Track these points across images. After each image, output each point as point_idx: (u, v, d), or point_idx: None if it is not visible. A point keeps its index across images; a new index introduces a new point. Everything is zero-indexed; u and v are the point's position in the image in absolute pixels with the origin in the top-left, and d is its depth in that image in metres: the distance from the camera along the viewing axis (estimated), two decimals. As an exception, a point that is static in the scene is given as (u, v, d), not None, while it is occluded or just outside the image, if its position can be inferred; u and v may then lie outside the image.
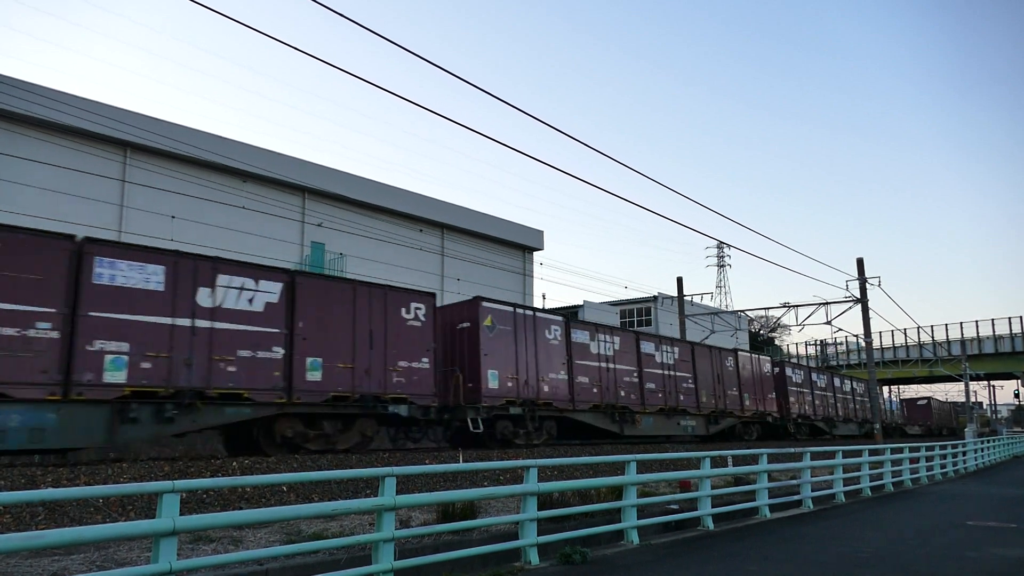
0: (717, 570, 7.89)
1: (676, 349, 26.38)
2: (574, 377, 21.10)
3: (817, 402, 38.08)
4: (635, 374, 23.90)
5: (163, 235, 25.61)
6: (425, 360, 16.89)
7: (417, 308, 16.98)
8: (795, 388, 35.44)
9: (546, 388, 19.97)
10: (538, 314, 20.74)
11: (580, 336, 21.83)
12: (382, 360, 15.97)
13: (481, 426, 17.61)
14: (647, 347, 24.93)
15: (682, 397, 25.86)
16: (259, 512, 6.47)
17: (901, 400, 71.40)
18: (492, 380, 18.36)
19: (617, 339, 23.45)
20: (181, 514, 5.23)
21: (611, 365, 22.82)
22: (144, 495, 9.05)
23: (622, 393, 22.98)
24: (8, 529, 8.38)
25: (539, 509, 8.30)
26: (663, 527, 10.65)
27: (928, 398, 68.87)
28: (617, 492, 10.09)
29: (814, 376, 38.85)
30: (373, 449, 17.77)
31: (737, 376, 29.89)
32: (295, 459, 13.22)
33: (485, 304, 18.89)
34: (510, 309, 19.60)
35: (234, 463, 12.27)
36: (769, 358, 34.32)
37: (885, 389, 73.17)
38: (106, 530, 5.10)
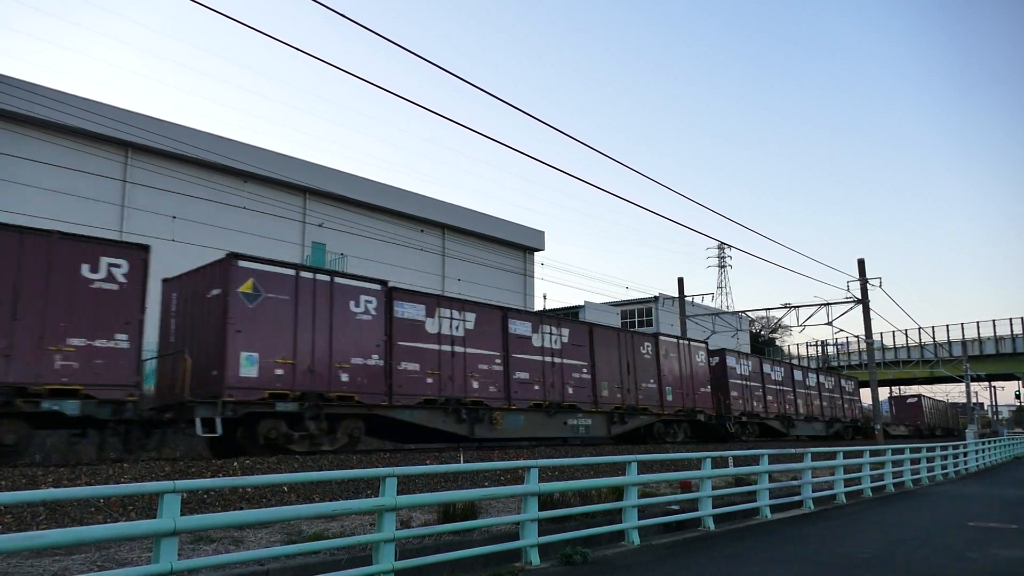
0: (718, 571, 7.88)
1: (565, 331, 21.55)
2: (395, 363, 16.38)
3: (770, 398, 33.37)
4: (498, 360, 18.93)
5: (164, 235, 25.62)
6: (122, 337, 12.63)
7: (112, 266, 12.78)
8: (740, 381, 30.92)
9: (345, 377, 15.35)
10: (338, 280, 15.94)
11: (410, 311, 17.09)
12: (35, 337, 11.75)
13: (219, 428, 13.27)
14: (519, 327, 19.95)
15: (571, 390, 21.07)
16: (260, 512, 6.47)
17: (889, 398, 67.11)
18: (246, 365, 13.88)
19: (471, 316, 18.57)
20: (182, 514, 5.22)
21: (460, 349, 17.95)
22: (145, 495, 9.06)
23: (475, 384, 18.10)
24: (9, 529, 8.38)
25: (540, 509, 8.29)
26: (664, 527, 10.64)
27: (919, 395, 64.74)
28: (618, 492, 10.09)
29: (767, 368, 34.17)
30: (372, 450, 17.76)
31: (656, 366, 25.19)
32: (296, 459, 13.21)
33: (242, 264, 14.24)
34: (290, 272, 14.98)
35: (235, 463, 12.27)
36: (704, 345, 29.13)
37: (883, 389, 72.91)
38: (107, 530, 5.10)
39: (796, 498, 13.86)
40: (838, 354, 70.98)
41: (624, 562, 8.25)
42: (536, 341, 20.37)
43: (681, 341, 27.43)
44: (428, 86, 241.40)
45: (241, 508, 10.24)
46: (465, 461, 14.93)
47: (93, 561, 6.88)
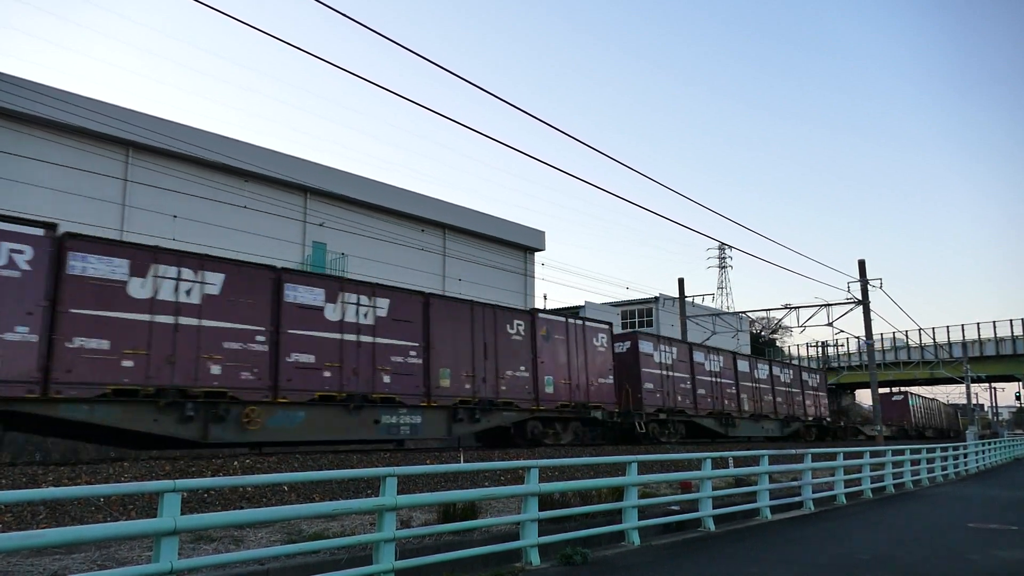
0: (718, 571, 7.88)
1: (383, 302, 16.64)
2: (63, 340, 11.96)
3: (702, 392, 28.11)
4: (259, 337, 14.35)
5: (165, 235, 25.63)
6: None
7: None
8: (658, 371, 25.75)
9: None
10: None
11: (101, 268, 12.59)
12: None
13: None
14: (301, 294, 15.29)
15: (388, 379, 16.40)
16: (260, 512, 6.47)
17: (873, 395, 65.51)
18: None
19: (219, 279, 14.01)
20: (182, 513, 5.23)
21: (191, 321, 13.40)
22: (145, 494, 9.06)
23: (213, 369, 13.59)
24: (9, 528, 8.39)
25: (540, 510, 8.29)
26: (664, 528, 10.64)
27: (906, 393, 59.44)
28: (618, 493, 10.09)
29: (699, 357, 28.72)
30: (372, 450, 17.77)
31: (532, 350, 20.24)
32: (296, 459, 13.21)
33: None
34: None
35: (235, 463, 12.28)
36: (607, 327, 23.81)
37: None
38: (107, 529, 5.11)
39: (796, 499, 13.86)
40: (838, 355, 70.96)
41: (624, 562, 8.25)
42: (332, 314, 15.65)
43: (571, 321, 22.27)
44: (428, 86, 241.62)
45: (241, 507, 10.25)
46: (465, 461, 14.95)
47: (93, 560, 6.88)
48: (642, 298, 53.96)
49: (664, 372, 26.12)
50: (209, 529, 7.65)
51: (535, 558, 8.01)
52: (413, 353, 17.14)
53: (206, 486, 6.23)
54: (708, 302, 54.75)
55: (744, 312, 48.15)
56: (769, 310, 47.69)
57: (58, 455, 15.63)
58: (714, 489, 11.57)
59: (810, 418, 37.88)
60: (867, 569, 7.94)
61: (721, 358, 30.33)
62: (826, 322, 37.69)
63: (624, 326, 49.02)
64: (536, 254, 44.48)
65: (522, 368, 19.91)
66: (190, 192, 28.05)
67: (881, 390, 58.61)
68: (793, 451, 14.75)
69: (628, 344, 25.39)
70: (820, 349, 71.49)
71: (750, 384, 32.10)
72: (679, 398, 26.68)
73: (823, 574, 7.76)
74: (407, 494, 7.64)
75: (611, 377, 23.19)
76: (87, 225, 22.04)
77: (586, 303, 46.61)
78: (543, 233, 44.47)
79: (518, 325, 20.19)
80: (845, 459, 16.10)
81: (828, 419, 40.29)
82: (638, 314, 53.63)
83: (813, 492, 14.15)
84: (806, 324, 39.67)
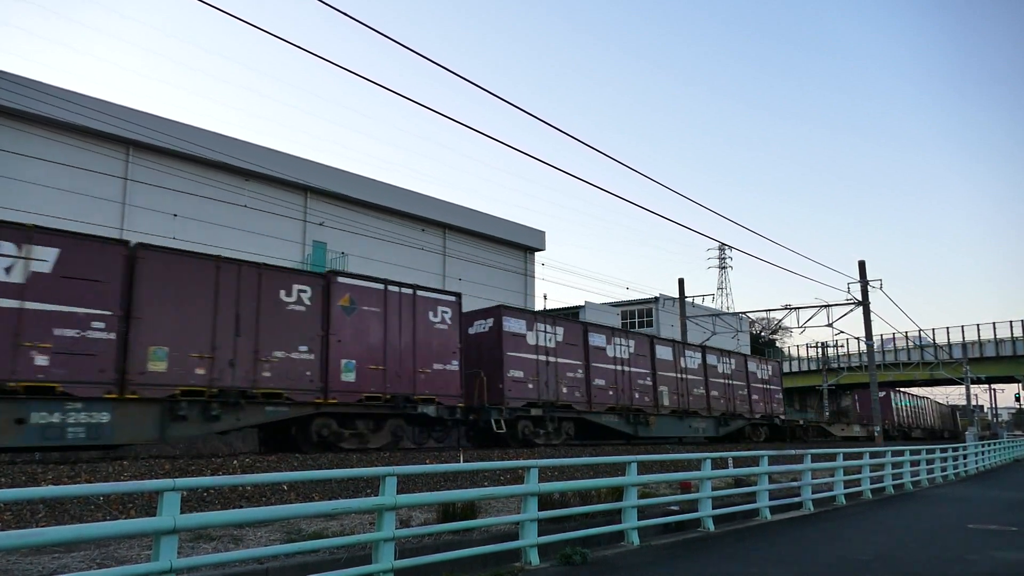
0: (717, 571, 7.88)
1: (48, 253, 12.19)
2: None
3: (601, 382, 22.98)
4: None
5: (165, 233, 25.63)
6: None
7: None
8: (531, 357, 20.47)
9: None
10: None
11: None
12: None
13: None
14: None
15: (46, 361, 11.89)
16: (259, 511, 6.47)
17: (852, 392, 57.91)
18: None
19: None
20: (182, 512, 5.23)
21: None
22: (145, 493, 9.07)
23: None
24: (9, 526, 8.39)
25: (540, 509, 8.29)
26: (663, 528, 10.65)
27: (887, 390, 53.86)
28: (617, 493, 10.09)
29: (597, 340, 23.34)
30: (370, 449, 17.75)
31: (322, 325, 15.68)
32: (295, 458, 13.21)
33: None
34: None
35: (235, 461, 12.28)
36: (453, 297, 18.90)
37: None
38: (106, 528, 5.11)
39: (796, 499, 13.86)
40: (838, 356, 70.98)
41: (624, 562, 8.25)
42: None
43: (393, 289, 17.43)
44: (428, 85, 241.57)
45: (241, 506, 10.25)
46: (465, 461, 14.95)
47: (93, 559, 6.88)
48: (642, 298, 53.99)
49: (543, 358, 20.89)
50: (208, 528, 7.64)
51: (534, 558, 8.01)
52: (99, 325, 12.60)
53: (206, 485, 6.22)
54: (708, 303, 54.82)
55: (744, 313, 48.17)
56: (769, 311, 47.59)
57: (57, 454, 15.63)
58: (713, 489, 11.58)
59: (758, 415, 32.55)
60: (867, 569, 7.94)
61: (632, 343, 25.15)
62: (826, 323, 37.71)
63: (624, 326, 48.94)
64: (536, 254, 44.51)
65: (303, 348, 15.26)
66: (190, 191, 28.07)
67: (862, 388, 56.92)
68: (793, 451, 14.75)
69: (490, 322, 20.15)
70: (820, 350, 71.54)
71: (673, 375, 26.95)
72: (564, 390, 21.46)
73: (823, 574, 7.76)
74: (406, 493, 7.64)
75: (456, 362, 18.28)
76: (88, 224, 22.06)
77: (586, 303, 46.65)
78: (543, 233, 44.50)
79: (300, 292, 15.53)
80: (845, 460, 16.12)
81: (782, 417, 35.20)
82: (638, 314, 53.64)
83: (813, 492, 14.16)
84: (806, 325, 39.69)
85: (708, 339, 41.46)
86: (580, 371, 22.33)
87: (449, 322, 18.43)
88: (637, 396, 24.57)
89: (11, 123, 24.48)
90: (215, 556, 5.84)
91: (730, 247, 29.01)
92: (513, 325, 20.30)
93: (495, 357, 19.73)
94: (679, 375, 27.35)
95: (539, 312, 22.58)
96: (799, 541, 10.22)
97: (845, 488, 15.65)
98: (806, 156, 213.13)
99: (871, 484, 17.10)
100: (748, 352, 51.65)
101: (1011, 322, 63.35)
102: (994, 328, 64.28)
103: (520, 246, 43.20)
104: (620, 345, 24.40)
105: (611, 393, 23.41)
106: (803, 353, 76.56)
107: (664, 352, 26.91)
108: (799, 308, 39.07)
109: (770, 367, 35.64)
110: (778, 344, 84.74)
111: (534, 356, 20.68)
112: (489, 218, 41.26)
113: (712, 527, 10.93)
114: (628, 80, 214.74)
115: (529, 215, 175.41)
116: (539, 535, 8.15)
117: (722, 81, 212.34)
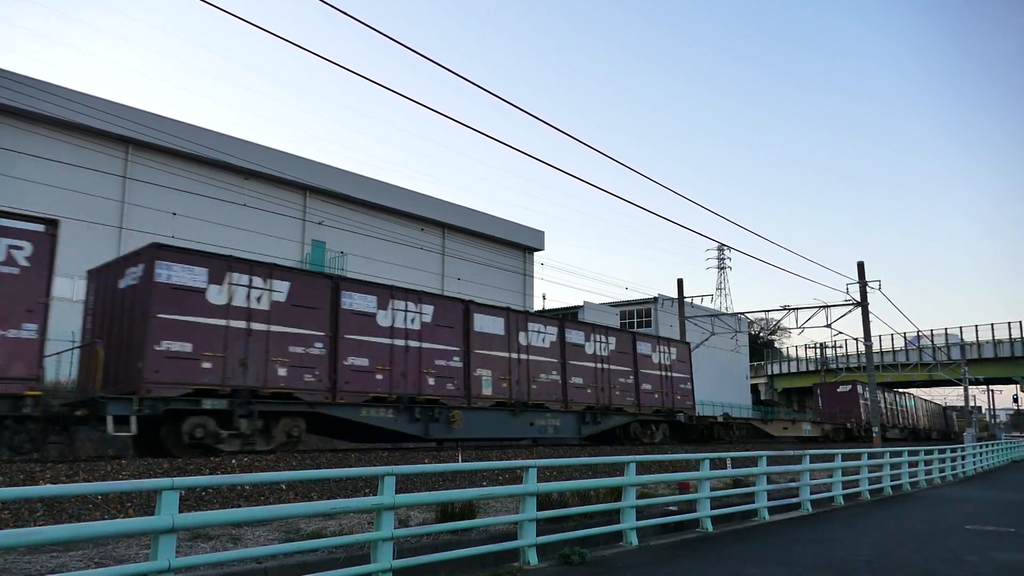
0: (716, 571, 7.88)
1: None
2: None
3: (362, 362, 16.06)
4: None
5: (164, 232, 25.62)
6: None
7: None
8: (211, 322, 13.73)
9: None
10: None
11: None
12: None
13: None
14: None
15: None
16: (258, 510, 6.46)
17: (815, 386, 51.77)
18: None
19: None
20: (180, 511, 5.22)
21: None
22: (143, 492, 9.06)
23: None
24: (7, 525, 8.38)
25: (538, 510, 8.29)
26: (662, 528, 10.65)
27: (853, 383, 47.14)
28: (616, 493, 10.08)
29: (361, 301, 16.37)
30: (368, 449, 17.75)
31: None
32: (295, 457, 13.21)
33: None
34: None
35: (233, 460, 12.27)
36: (42, 228, 12.05)
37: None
38: (105, 527, 5.10)
39: (794, 500, 13.86)
40: (836, 356, 71.05)
41: (622, 563, 8.24)
42: None
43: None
44: (428, 85, 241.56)
45: (239, 506, 10.24)
46: (463, 460, 14.95)
47: (91, 558, 6.87)
48: (641, 298, 53.98)
49: (235, 323, 14.13)
50: (207, 527, 7.64)
51: (533, 558, 8.01)
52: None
53: (204, 484, 6.21)
54: (707, 303, 54.82)
55: (743, 313, 48.18)
56: (768, 311, 47.45)
57: (56, 453, 15.59)
58: (712, 490, 11.58)
59: (651, 409, 25.46)
60: (865, 570, 7.95)
61: (431, 309, 17.94)
62: (825, 323, 37.74)
63: (623, 326, 48.89)
64: (535, 254, 44.51)
65: None
66: (190, 190, 28.05)
67: (830, 381, 55.35)
68: (792, 452, 14.77)
69: (139, 269, 13.58)
70: (819, 351, 71.60)
71: (505, 355, 19.72)
72: (282, 371, 14.70)
73: (821, 575, 7.76)
74: (405, 493, 7.64)
75: (31, 327, 11.57)
76: (87, 222, 22.05)
77: (585, 303, 46.63)
78: (542, 233, 44.50)
79: None
80: (843, 461, 16.13)
81: (688, 412, 27.66)
82: (637, 314, 53.63)
83: (811, 493, 14.16)
84: (805, 325, 39.69)
85: (706, 339, 41.46)
86: (319, 346, 15.42)
87: (24, 263, 11.79)
88: (432, 382, 17.56)
89: (11, 121, 24.46)
90: (213, 555, 5.84)
91: (729, 247, 28.99)
92: (174, 273, 13.48)
93: (138, 322, 13.29)
94: (515, 355, 20.06)
95: (235, 260, 14.68)
96: (797, 542, 10.22)
97: (843, 489, 15.67)
98: (806, 156, 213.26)
99: (869, 485, 17.12)
100: (747, 353, 51.66)
101: (1009, 323, 63.50)
102: (992, 330, 64.40)
103: (519, 246, 43.20)
104: (407, 312, 17.33)
105: (379, 377, 16.43)
106: (802, 354, 76.67)
107: (488, 324, 19.54)
108: (798, 309, 39.11)
109: (674, 351, 27.65)
110: (777, 345, 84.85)
111: (220, 322, 13.91)
112: (488, 218, 41.25)
113: (711, 527, 10.93)
114: (628, 80, 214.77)
115: (528, 215, 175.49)
116: (538, 535, 8.15)
117: (722, 81, 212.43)
